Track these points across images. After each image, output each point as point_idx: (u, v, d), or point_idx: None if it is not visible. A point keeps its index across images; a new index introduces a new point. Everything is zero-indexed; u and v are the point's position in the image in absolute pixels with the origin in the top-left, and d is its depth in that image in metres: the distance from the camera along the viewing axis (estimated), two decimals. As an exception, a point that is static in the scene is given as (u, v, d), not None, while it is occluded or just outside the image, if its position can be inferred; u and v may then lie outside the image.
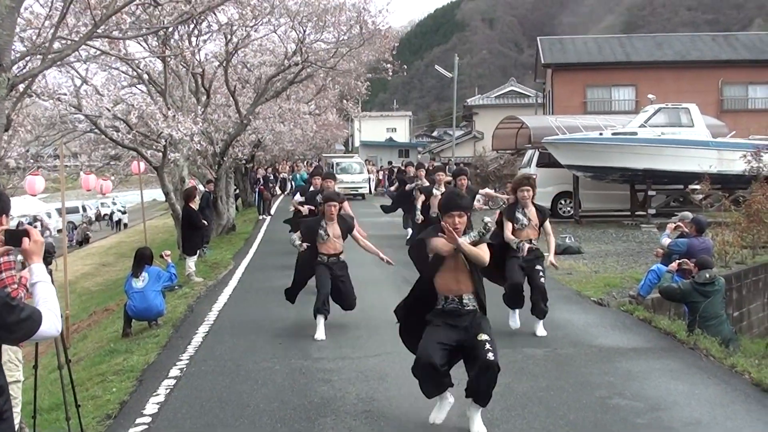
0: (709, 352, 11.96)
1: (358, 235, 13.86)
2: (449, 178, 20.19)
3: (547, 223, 13.35)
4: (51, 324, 4.75)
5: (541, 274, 13.00)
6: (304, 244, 13.89)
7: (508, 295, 12.98)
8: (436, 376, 8.39)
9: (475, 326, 8.33)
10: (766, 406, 9.52)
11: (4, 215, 5.66)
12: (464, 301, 8.46)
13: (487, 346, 8.09)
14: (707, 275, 13.81)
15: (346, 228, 13.79)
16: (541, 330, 12.98)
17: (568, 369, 11.06)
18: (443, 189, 19.37)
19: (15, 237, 5.07)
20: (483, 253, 8.35)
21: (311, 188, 20.77)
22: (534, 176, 14.43)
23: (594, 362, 11.44)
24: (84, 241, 62.82)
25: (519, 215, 13.07)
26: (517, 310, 13.18)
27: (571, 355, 11.86)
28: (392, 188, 26.53)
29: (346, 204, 14.86)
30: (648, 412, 9.19)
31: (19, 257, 6.51)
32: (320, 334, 12.93)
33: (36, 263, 4.99)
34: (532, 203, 13.22)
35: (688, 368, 11.19)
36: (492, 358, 8.00)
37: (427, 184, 21.77)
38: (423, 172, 24.20)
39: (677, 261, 15.15)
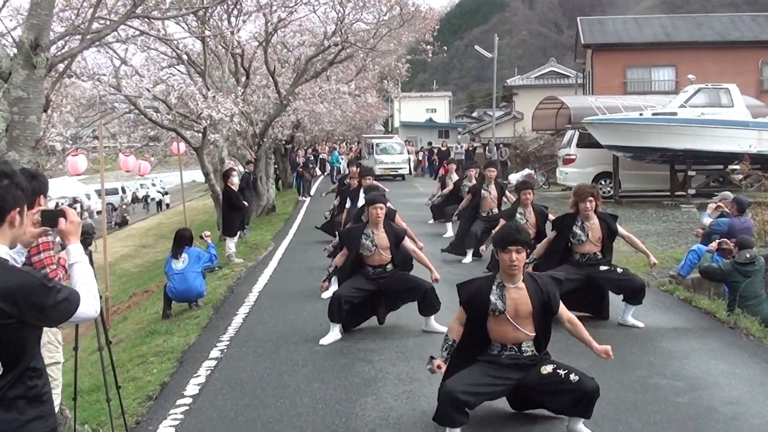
0: (749, 332, 11.94)
1: (409, 245, 12.45)
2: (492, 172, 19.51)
3: (621, 229, 12.99)
4: (89, 305, 4.76)
5: (609, 268, 12.54)
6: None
7: None
8: (459, 415, 7.61)
9: (535, 368, 7.87)
10: (805, 385, 9.44)
11: (41, 196, 5.67)
12: (523, 348, 7.91)
13: (561, 372, 7.79)
14: (747, 255, 13.73)
15: (394, 235, 12.26)
16: (632, 320, 12.56)
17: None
18: (493, 188, 19.11)
19: (51, 217, 5.09)
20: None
21: (348, 178, 20.44)
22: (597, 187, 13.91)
23: (634, 342, 11.42)
24: (122, 223, 63.02)
25: (577, 230, 12.42)
26: None
27: (611, 334, 11.78)
28: (436, 198, 25.10)
29: (398, 217, 13.80)
30: (688, 391, 9.17)
31: (58, 239, 6.54)
32: (328, 338, 11.84)
33: (73, 243, 5.00)
34: (596, 214, 12.49)
35: (728, 348, 11.16)
36: (577, 378, 7.75)
37: (474, 182, 21.23)
38: (454, 166, 24.05)
39: (717, 240, 15.07)
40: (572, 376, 7.66)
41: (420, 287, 12.18)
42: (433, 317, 12.19)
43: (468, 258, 18.05)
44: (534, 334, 7.82)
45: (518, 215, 13.32)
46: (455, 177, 24.79)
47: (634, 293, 12.46)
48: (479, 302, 7.83)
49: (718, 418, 8.31)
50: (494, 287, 7.80)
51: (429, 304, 12.20)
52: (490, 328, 7.85)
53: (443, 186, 25.52)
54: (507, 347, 7.83)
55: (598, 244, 12.42)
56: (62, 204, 36.94)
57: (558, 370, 7.71)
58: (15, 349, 4.42)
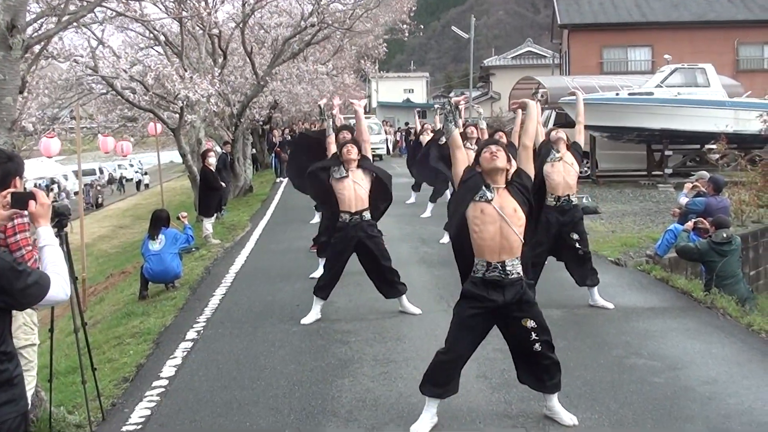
0: (726, 311, 11.99)
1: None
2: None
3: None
4: (59, 289, 4.74)
5: (577, 245, 12.35)
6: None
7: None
8: (453, 373, 7.76)
9: (521, 305, 7.55)
10: (782, 364, 9.50)
11: (17, 177, 5.63)
12: (507, 268, 7.48)
13: (533, 336, 7.54)
14: (724, 234, 13.79)
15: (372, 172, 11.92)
16: (601, 301, 12.42)
17: (585, 329, 11.08)
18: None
19: (21, 200, 5.04)
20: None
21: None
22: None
23: (611, 322, 11.46)
24: (96, 204, 62.55)
25: (554, 152, 12.54)
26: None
27: (588, 315, 11.87)
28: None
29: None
30: (665, 371, 9.21)
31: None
32: (310, 317, 11.81)
33: (43, 226, 4.98)
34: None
35: (704, 327, 11.20)
36: (539, 348, 7.55)
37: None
38: (429, 127, 24.18)
39: (693, 220, 15.12)
40: (536, 346, 7.55)
41: (379, 267, 11.91)
42: (404, 297, 12.04)
43: (445, 239, 17.95)
44: (522, 240, 7.50)
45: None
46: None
47: (583, 279, 12.41)
48: (470, 185, 7.59)
49: (695, 398, 8.35)
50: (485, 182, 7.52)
51: (388, 285, 12.01)
52: (474, 232, 7.51)
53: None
54: (491, 266, 7.46)
55: (574, 174, 12.62)
56: (40, 185, 36.68)
57: (532, 333, 7.53)
58: (-16, 333, 4.40)
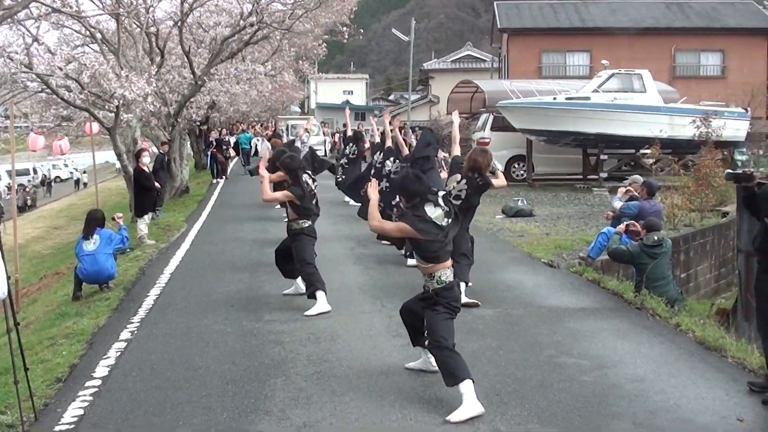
0: (655, 312, 12.20)
1: None
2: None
3: None
4: None
5: None
6: None
7: None
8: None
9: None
10: (708, 363, 9.74)
11: None
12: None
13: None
14: (655, 237, 13.97)
15: None
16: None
17: (517, 329, 11.22)
18: None
19: None
20: None
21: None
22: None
23: (543, 322, 11.60)
24: (26, 206, 61.56)
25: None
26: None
27: (520, 315, 12.01)
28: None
29: None
30: (594, 369, 9.36)
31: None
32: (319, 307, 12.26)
33: None
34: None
35: (634, 327, 11.40)
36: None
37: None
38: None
39: (625, 222, 15.33)
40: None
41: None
42: (319, 295, 12.26)
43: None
44: None
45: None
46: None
47: None
48: None
49: (623, 395, 8.50)
50: None
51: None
52: None
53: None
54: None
55: None
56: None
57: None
58: None
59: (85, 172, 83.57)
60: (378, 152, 20.79)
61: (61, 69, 22.62)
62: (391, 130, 19.02)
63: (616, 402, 8.31)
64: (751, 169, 9.68)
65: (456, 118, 13.97)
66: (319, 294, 12.16)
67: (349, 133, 26.25)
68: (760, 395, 8.46)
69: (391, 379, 8.98)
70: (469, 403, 7.80)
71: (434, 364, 8.60)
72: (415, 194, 8.37)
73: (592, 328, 11.30)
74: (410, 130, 48.99)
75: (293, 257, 12.64)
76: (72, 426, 7.95)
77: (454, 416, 7.73)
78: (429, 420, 7.81)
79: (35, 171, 77.69)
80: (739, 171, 9.56)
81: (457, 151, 13.14)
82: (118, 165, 75.59)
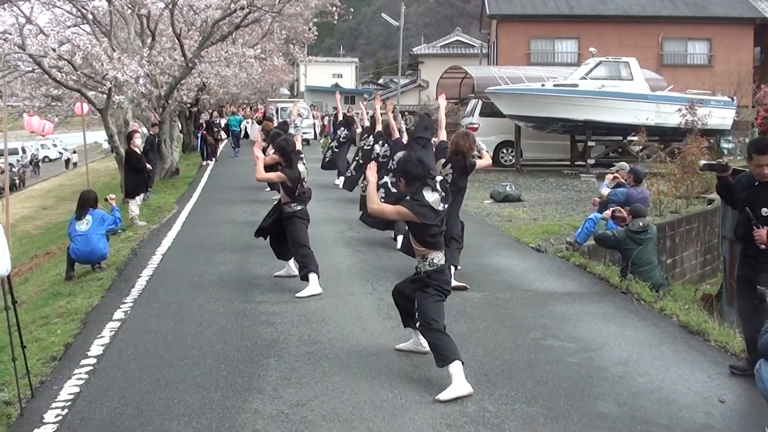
0: (640, 297, 12.42)
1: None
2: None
3: None
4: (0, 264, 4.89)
5: None
6: None
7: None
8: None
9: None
10: (691, 346, 9.95)
11: None
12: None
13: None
14: (640, 223, 14.16)
15: None
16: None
17: (504, 312, 11.40)
18: None
19: None
20: None
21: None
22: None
23: (529, 305, 11.80)
24: (14, 186, 61.22)
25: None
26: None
27: (507, 299, 12.19)
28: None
29: None
30: (580, 352, 9.56)
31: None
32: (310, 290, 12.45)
33: None
34: None
35: (619, 311, 11.60)
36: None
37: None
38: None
39: (611, 208, 15.52)
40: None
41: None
42: (312, 277, 12.45)
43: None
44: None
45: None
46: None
47: None
48: None
49: (607, 377, 8.69)
50: None
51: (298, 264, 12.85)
52: None
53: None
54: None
55: None
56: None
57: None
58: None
59: (75, 152, 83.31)
60: (366, 136, 20.96)
61: (54, 50, 22.67)
62: (383, 113, 19.18)
63: (601, 383, 8.50)
64: (726, 160, 9.89)
65: (443, 102, 14.13)
66: (312, 276, 12.32)
67: (340, 117, 26.45)
68: (741, 378, 8.65)
69: (382, 359, 9.14)
70: (458, 383, 7.97)
71: (424, 345, 8.79)
72: (416, 178, 8.50)
73: (578, 312, 11.49)
74: (399, 115, 49.14)
75: (287, 239, 12.81)
76: (69, 403, 8.07)
77: (443, 395, 7.89)
78: (419, 399, 7.96)
79: (24, 151, 77.30)
80: (714, 161, 9.75)
81: (443, 136, 13.31)
82: (105, 146, 75.25)
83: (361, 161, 20.51)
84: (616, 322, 11.00)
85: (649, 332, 10.54)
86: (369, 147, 20.40)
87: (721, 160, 10.44)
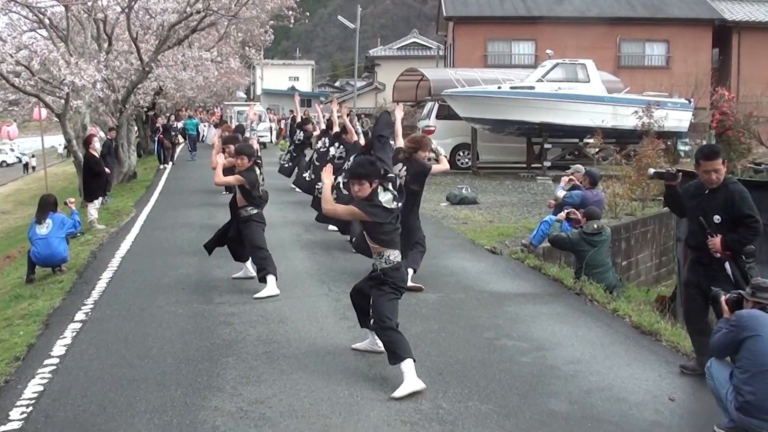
0: (594, 298, 12.62)
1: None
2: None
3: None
4: None
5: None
6: None
7: None
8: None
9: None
10: (643, 346, 10.16)
11: None
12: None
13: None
14: (595, 225, 14.33)
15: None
16: None
17: (459, 312, 11.59)
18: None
19: None
20: None
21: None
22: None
23: (484, 306, 11.99)
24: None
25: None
26: None
27: (462, 299, 12.39)
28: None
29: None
30: (533, 351, 9.76)
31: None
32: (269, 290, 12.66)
33: None
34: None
35: (573, 312, 11.81)
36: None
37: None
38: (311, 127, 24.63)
39: (566, 210, 15.71)
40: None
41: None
42: (269, 278, 12.65)
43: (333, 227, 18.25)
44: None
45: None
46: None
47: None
48: None
49: (560, 376, 8.90)
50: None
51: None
52: None
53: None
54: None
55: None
56: None
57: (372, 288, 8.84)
58: None
59: (33, 156, 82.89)
60: (323, 138, 21.13)
61: (11, 56, 22.71)
62: (339, 116, 19.38)
63: (553, 382, 8.70)
64: (674, 169, 10.06)
65: (399, 113, 14.29)
66: (270, 278, 12.50)
67: (298, 119, 26.61)
68: (691, 377, 8.88)
69: (338, 359, 9.31)
70: (410, 380, 8.16)
71: (380, 345, 8.95)
72: (366, 177, 8.62)
73: (532, 313, 11.70)
74: (356, 117, 49.26)
75: (244, 242, 12.99)
76: (33, 401, 8.20)
77: (398, 393, 8.09)
78: (374, 396, 8.15)
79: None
80: (663, 170, 9.94)
81: (400, 143, 13.50)
82: (61, 150, 74.57)
83: (316, 163, 20.65)
84: (570, 322, 11.21)
85: (602, 332, 10.76)
86: (324, 149, 20.59)
87: (670, 168, 10.62)
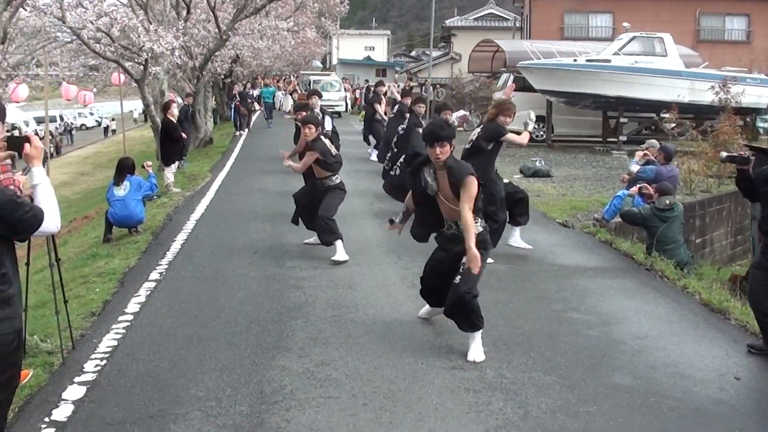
0: (664, 273, 12.57)
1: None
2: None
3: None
4: (51, 221, 5.28)
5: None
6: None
7: None
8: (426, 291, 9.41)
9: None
10: (711, 324, 10.10)
11: (1, 122, 5.93)
12: (460, 226, 8.49)
13: (461, 269, 8.50)
14: (667, 201, 14.25)
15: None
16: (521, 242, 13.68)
17: (527, 284, 11.66)
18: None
19: (17, 143, 5.59)
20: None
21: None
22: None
23: (553, 279, 12.02)
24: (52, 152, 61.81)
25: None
26: None
27: (532, 271, 12.44)
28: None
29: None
30: (599, 325, 9.78)
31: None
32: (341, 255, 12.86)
33: (37, 167, 5.49)
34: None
35: (642, 287, 11.76)
36: (457, 281, 8.47)
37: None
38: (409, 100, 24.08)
39: (638, 186, 15.63)
40: (457, 278, 8.53)
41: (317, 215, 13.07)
42: (338, 243, 12.81)
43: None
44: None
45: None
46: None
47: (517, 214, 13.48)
48: (418, 180, 8.73)
49: (625, 350, 8.92)
50: (429, 169, 8.59)
51: (320, 230, 13.04)
52: (441, 208, 8.76)
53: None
54: (451, 224, 8.75)
55: None
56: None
57: (462, 267, 8.51)
58: (-13, 257, 4.94)
59: (114, 120, 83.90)
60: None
61: (92, 23, 23.06)
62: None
63: (618, 356, 8.72)
64: (747, 153, 9.93)
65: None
66: (339, 243, 12.70)
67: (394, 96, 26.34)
68: (759, 356, 8.84)
69: (405, 326, 9.46)
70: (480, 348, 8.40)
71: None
72: (447, 139, 8.43)
73: (601, 287, 11.70)
74: (430, 87, 49.18)
75: (317, 209, 13.09)
76: (107, 354, 8.47)
77: (479, 356, 8.40)
78: (439, 364, 8.26)
79: (61, 118, 77.98)
80: (736, 153, 9.81)
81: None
82: (135, 115, 75.15)
83: (395, 149, 20.29)
84: (638, 297, 11.18)
85: (670, 309, 10.72)
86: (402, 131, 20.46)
87: (742, 152, 10.47)
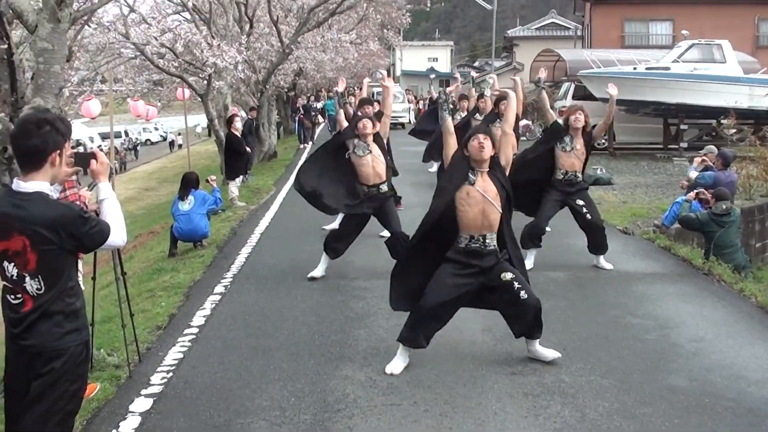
0: (722, 278, 12.61)
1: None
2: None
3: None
4: (117, 235, 5.53)
5: (584, 210, 13.04)
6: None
7: (525, 234, 12.81)
8: (432, 322, 8.51)
9: (498, 266, 8.38)
10: (766, 326, 10.19)
11: (68, 140, 6.14)
12: (487, 240, 8.33)
13: (516, 285, 8.32)
14: (723, 206, 14.31)
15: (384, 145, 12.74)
16: (603, 263, 13.24)
17: (586, 291, 11.80)
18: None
19: (84, 159, 5.86)
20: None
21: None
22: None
23: (611, 285, 12.14)
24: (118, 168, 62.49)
25: (566, 139, 13.09)
26: (533, 250, 12.99)
27: (591, 278, 12.56)
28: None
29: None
30: (656, 330, 9.90)
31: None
32: (317, 271, 12.58)
33: (103, 182, 5.74)
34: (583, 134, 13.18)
35: (699, 292, 11.84)
36: (525, 296, 8.35)
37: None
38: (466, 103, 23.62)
39: (695, 191, 15.69)
40: (522, 294, 8.35)
41: (392, 230, 12.53)
42: None
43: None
44: (501, 212, 8.32)
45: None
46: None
47: (595, 244, 13.19)
48: (458, 168, 8.44)
49: (681, 353, 9.04)
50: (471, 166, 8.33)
51: (394, 248, 12.30)
52: (460, 211, 8.28)
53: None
54: (474, 238, 8.31)
55: (581, 158, 13.19)
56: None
57: (514, 282, 8.34)
58: (55, 271, 5.21)
59: (180, 134, 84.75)
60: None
61: (156, 39, 23.48)
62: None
63: (675, 359, 8.85)
64: None
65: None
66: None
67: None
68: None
69: (465, 334, 9.60)
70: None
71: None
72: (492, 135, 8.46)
73: (659, 292, 11.79)
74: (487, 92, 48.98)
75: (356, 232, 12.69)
76: (173, 367, 8.74)
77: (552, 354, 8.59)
78: (499, 370, 8.46)
79: (127, 134, 78.89)
80: None
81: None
82: (199, 129, 75.73)
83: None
84: (695, 302, 11.26)
85: (727, 312, 10.80)
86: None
87: None
